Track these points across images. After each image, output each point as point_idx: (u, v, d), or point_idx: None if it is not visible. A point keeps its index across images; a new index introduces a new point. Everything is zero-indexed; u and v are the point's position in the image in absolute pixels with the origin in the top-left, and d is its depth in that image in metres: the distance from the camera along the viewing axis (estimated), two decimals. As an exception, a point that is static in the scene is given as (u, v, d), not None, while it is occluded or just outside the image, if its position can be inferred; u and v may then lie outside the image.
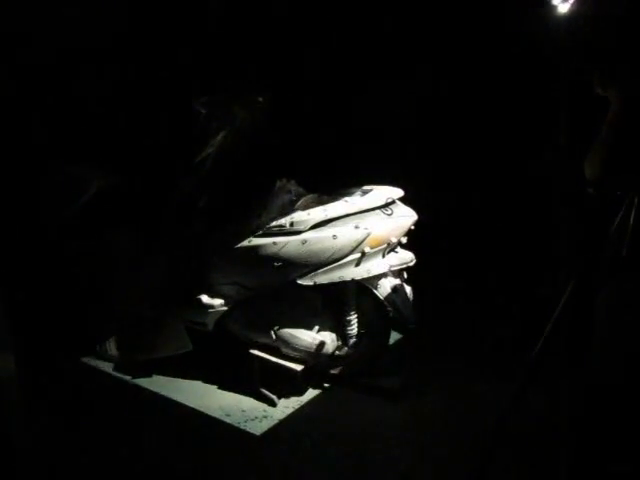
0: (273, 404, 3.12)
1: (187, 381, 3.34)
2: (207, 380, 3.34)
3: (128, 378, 3.38)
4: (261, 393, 3.16)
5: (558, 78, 2.42)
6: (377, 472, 2.64)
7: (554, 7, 1.84)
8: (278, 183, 3.29)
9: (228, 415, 3.04)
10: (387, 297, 3.11)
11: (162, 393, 3.25)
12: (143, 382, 3.35)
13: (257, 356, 3.19)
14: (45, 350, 3.31)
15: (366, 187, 3.24)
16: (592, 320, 2.07)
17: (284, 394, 3.20)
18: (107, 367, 3.48)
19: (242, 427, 2.95)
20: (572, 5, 1.79)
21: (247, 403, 3.15)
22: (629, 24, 1.68)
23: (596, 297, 2.03)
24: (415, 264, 3.19)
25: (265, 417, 3.03)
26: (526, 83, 3.46)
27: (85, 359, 3.52)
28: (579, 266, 2.09)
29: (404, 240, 3.17)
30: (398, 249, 3.19)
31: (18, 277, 3.27)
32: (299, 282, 3.05)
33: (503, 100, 3.65)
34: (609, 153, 1.82)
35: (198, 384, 3.32)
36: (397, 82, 3.99)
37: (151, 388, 3.29)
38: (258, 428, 2.94)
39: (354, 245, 2.99)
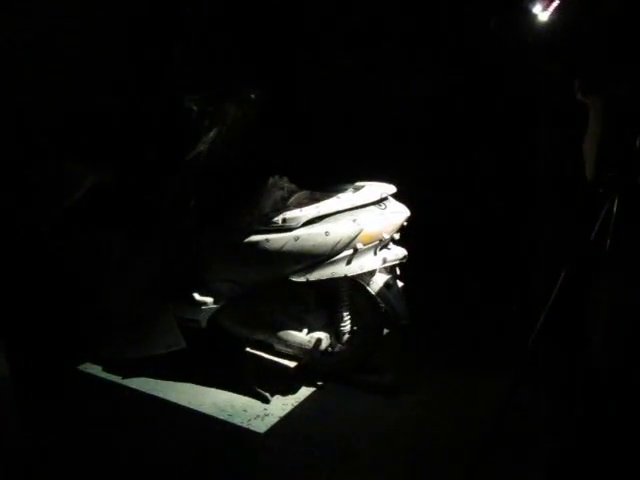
0: (266, 401, 3.23)
1: (178, 379, 3.43)
2: (199, 378, 3.42)
3: (118, 379, 3.46)
4: (254, 390, 3.27)
5: (540, 81, 2.59)
6: (372, 470, 2.75)
7: (534, 15, 2.00)
8: (270, 180, 3.36)
9: (230, 415, 3.13)
10: (380, 293, 3.21)
11: (154, 393, 3.34)
12: (133, 382, 3.43)
13: (250, 353, 3.28)
14: (36, 351, 3.36)
15: (358, 183, 3.32)
16: (583, 313, 2.25)
17: (277, 391, 3.31)
18: (96, 369, 3.55)
19: (245, 425, 3.05)
20: (552, 14, 1.95)
21: (241, 401, 3.25)
22: (606, 32, 1.85)
23: (586, 291, 2.21)
24: (408, 260, 3.28)
25: (267, 415, 3.14)
26: (513, 86, 3.61)
27: (76, 360, 3.59)
28: (569, 261, 2.25)
29: (397, 236, 3.25)
30: (391, 245, 3.27)
31: (7, 276, 3.36)
32: (292, 279, 3.12)
33: (494, 100, 3.78)
34: (592, 155, 2.01)
35: (190, 382, 3.40)
36: (389, 80, 4.12)
37: (142, 389, 3.37)
38: (262, 426, 3.05)
39: (347, 241, 3.07)
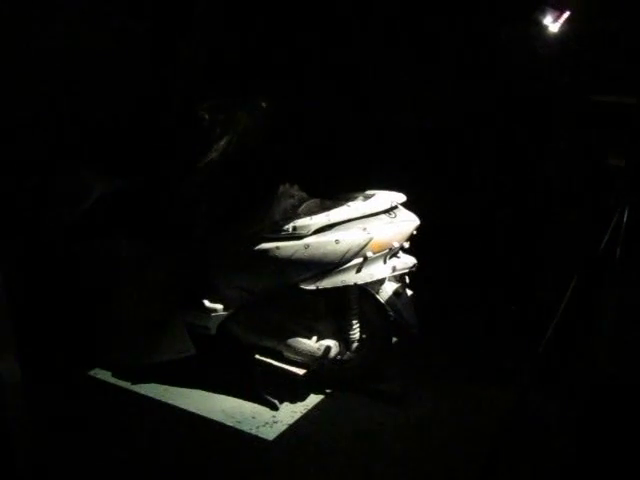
0: (275, 408, 3.26)
1: (187, 386, 3.45)
2: (208, 384, 3.44)
3: (127, 384, 3.48)
4: (263, 397, 3.29)
5: (550, 89, 2.62)
6: (381, 478, 2.77)
7: (546, 27, 2.04)
8: (281, 188, 3.36)
9: (239, 422, 3.15)
10: (389, 302, 3.22)
11: (163, 399, 3.36)
12: (142, 388, 3.45)
13: (259, 360, 3.30)
14: (47, 356, 3.40)
15: (369, 192, 3.34)
16: (594, 319, 2.28)
17: (286, 398, 3.33)
18: (106, 374, 3.57)
19: (254, 432, 3.07)
20: (562, 25, 1.99)
21: (249, 408, 3.27)
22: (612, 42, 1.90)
23: (597, 297, 2.24)
24: (417, 269, 3.30)
25: (275, 422, 3.16)
26: (523, 94, 3.64)
27: (86, 365, 3.62)
28: (579, 268, 2.28)
29: (406, 245, 3.27)
30: (400, 254, 3.29)
31: (21, 282, 3.41)
32: (302, 287, 3.13)
33: (503, 108, 3.81)
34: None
35: (199, 388, 3.42)
36: (397, 87, 4.15)
37: (150, 394, 3.40)
38: (270, 433, 3.06)
39: (357, 250, 3.08)
